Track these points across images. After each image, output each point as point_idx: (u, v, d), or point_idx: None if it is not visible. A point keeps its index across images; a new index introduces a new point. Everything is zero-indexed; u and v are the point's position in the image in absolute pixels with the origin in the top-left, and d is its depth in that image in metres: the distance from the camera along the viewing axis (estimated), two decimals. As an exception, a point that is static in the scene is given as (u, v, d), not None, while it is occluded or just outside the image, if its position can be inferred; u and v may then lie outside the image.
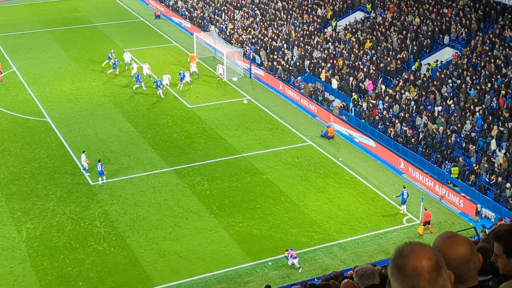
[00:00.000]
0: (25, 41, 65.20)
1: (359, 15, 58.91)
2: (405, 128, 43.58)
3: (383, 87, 48.28)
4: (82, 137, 44.93)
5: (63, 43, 64.82)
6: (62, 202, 37.23)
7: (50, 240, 33.78)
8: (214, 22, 67.36)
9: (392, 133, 43.69)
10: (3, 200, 37.32)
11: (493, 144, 39.49)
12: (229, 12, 68.35)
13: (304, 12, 62.27)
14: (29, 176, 40.04)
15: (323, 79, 52.27)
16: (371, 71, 49.93)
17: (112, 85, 53.67)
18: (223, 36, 62.98)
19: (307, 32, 58.71)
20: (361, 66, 50.86)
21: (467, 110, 42.34)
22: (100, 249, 33.13)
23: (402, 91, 46.64)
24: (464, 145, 40.63)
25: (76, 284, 30.55)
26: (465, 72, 45.35)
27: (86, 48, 63.28)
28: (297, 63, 54.90)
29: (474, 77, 44.73)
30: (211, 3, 72.37)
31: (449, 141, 40.75)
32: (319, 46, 56.13)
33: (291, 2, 64.92)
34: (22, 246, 33.30)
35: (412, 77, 47.58)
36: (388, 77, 49.30)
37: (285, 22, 62.02)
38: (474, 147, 39.99)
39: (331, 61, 53.25)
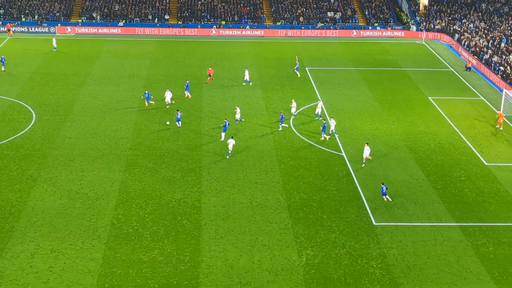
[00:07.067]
0: (334, 77, 68.29)
1: None
2: None
3: None
4: (372, 177, 45.56)
5: (370, 83, 66.64)
6: (344, 236, 38.09)
7: (326, 270, 34.74)
8: (527, 80, 64.12)
9: None
10: (290, 223, 39.30)
11: None
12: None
13: None
14: (317, 204, 41.67)
15: None
16: None
17: (410, 131, 53.72)
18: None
19: None
20: None
21: None
22: (372, 290, 33.29)
23: None
24: None
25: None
26: None
27: (391, 91, 64.30)
28: None
29: None
30: (527, 60, 69.07)
31: None
32: None
33: None
34: (300, 270, 34.70)
35: None
36: None
37: None
38: None
39: None
